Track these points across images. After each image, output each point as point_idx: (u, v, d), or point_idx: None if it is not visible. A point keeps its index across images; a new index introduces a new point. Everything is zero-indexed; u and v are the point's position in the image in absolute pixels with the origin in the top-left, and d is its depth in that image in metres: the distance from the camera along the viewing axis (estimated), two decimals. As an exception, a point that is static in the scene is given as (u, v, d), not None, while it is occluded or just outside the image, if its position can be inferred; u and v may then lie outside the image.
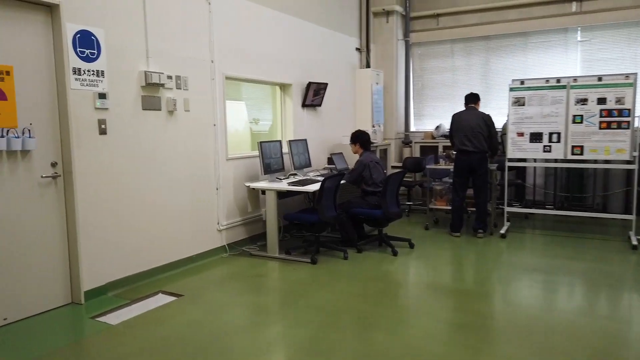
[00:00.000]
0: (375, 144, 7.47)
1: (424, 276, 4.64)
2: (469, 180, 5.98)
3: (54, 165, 3.68)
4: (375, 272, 4.68)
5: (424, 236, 6.09)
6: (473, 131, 5.80)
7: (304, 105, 6.56)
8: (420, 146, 8.62)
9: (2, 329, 3.35)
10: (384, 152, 8.04)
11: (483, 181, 5.90)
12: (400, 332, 3.33)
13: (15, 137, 3.37)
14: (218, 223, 5.17)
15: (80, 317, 3.62)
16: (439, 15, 8.48)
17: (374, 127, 7.98)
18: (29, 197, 3.52)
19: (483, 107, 6.20)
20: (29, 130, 3.48)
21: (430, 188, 6.81)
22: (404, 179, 7.32)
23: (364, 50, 8.25)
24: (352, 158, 6.01)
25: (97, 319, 3.56)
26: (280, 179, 5.49)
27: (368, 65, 8.23)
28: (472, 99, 6.05)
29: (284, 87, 6.37)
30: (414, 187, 7.95)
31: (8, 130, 3.35)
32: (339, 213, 5.30)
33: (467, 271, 4.82)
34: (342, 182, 5.32)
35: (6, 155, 3.38)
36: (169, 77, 4.49)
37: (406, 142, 8.73)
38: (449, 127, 6.18)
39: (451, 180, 6.25)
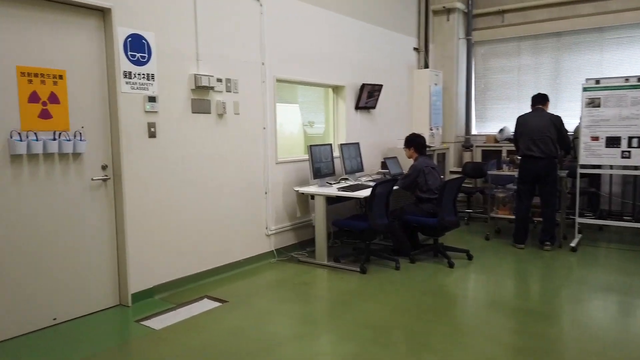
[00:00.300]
0: (432, 148, 7.13)
1: (483, 292, 4.29)
2: (535, 188, 5.52)
3: (104, 168, 3.72)
4: (428, 285, 4.39)
5: (484, 247, 5.69)
6: (540, 135, 5.34)
7: (357, 107, 6.36)
8: (482, 150, 8.14)
9: (51, 329, 3.41)
10: (442, 156, 7.67)
11: (551, 189, 5.43)
12: (453, 354, 3.05)
13: (67, 140, 3.42)
14: (266, 228, 5.08)
15: (125, 320, 3.62)
16: (504, 11, 7.98)
17: (431, 130, 7.64)
18: (79, 199, 3.57)
19: (552, 109, 5.71)
20: (80, 133, 3.53)
21: (492, 195, 6.38)
22: (464, 185, 6.95)
23: (423, 50, 7.92)
24: (406, 162, 5.72)
25: (142, 322, 3.55)
26: (331, 184, 5.32)
27: (426, 66, 7.90)
28: (540, 100, 5.59)
29: (336, 89, 6.20)
30: (475, 194, 7.51)
31: (60, 133, 3.41)
32: (391, 220, 5.05)
33: (532, 288, 4.41)
34: (395, 188, 5.07)
35: (58, 158, 3.44)
36: (219, 80, 4.44)
37: (466, 145, 8.29)
38: (513, 130, 5.76)
39: (515, 187, 5.81)
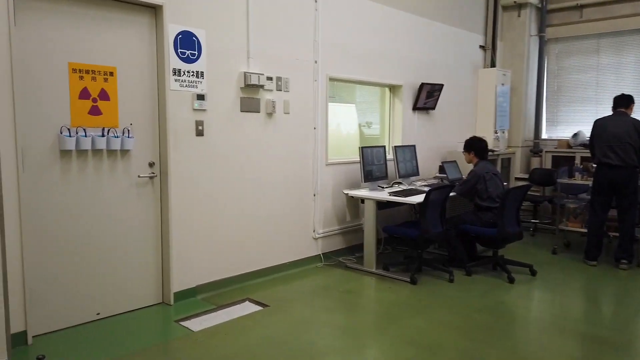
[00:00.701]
0: (496, 152, 6.68)
1: (546, 312, 3.89)
2: (612, 200, 4.98)
3: (151, 165, 3.72)
4: (484, 301, 4.05)
5: (551, 262, 5.22)
6: (620, 141, 4.80)
7: (415, 108, 6.07)
8: (552, 156, 7.52)
9: (94, 323, 3.45)
10: (507, 161, 7.16)
11: (630, 201, 4.87)
12: (506, 384, 2.74)
13: (115, 137, 3.44)
14: (314, 231, 4.93)
15: (165, 320, 3.60)
16: (582, 6, 7.33)
17: (496, 133, 7.17)
18: (126, 196, 3.60)
19: (636, 114, 5.12)
20: (128, 130, 3.54)
21: (561, 205, 5.86)
22: (530, 193, 6.46)
23: (489, 48, 7.44)
24: (466, 167, 5.36)
25: (181, 322, 3.51)
26: (383, 188, 5.08)
27: (493, 65, 7.42)
28: (623, 102, 5.02)
29: (393, 88, 5.94)
30: (542, 203, 6.95)
31: (109, 130, 3.44)
32: (446, 229, 4.74)
33: (603, 311, 3.95)
34: (451, 194, 4.74)
35: (106, 154, 3.47)
36: (269, 79, 4.35)
37: (535, 150, 7.70)
38: (589, 135, 5.23)
39: (589, 198, 5.28)
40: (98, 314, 3.50)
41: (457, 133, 6.75)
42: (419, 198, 4.48)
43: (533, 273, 4.73)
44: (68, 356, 2.99)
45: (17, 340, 3.02)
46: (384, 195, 4.71)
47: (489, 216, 4.68)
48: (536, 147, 7.74)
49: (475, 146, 4.94)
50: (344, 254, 5.22)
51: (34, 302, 3.16)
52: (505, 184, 5.18)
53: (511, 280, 4.49)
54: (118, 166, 3.54)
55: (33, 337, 3.13)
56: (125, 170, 3.58)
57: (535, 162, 7.66)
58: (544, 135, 7.94)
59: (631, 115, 4.99)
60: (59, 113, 3.22)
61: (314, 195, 4.90)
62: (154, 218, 3.77)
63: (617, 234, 5.06)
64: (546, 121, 7.98)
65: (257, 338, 3.27)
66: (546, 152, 7.61)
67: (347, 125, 5.61)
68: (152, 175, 3.73)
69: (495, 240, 4.64)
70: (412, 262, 4.76)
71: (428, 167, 6.27)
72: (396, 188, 5.07)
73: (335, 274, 4.70)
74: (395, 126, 5.99)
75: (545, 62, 7.78)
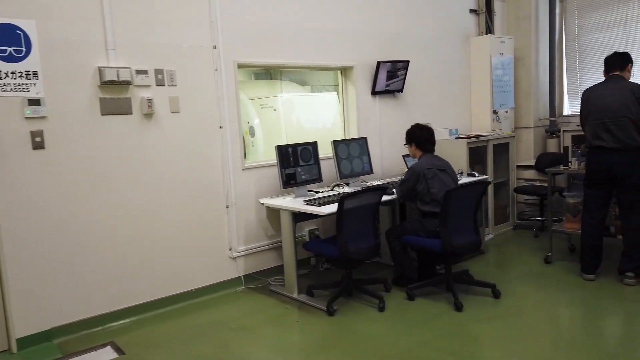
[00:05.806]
0: (484, 138, 5.46)
1: (499, 357, 2.85)
2: (611, 194, 3.75)
3: (-23, 188, 3.11)
4: (410, 339, 3.06)
5: (540, 275, 4.09)
6: (615, 116, 3.58)
7: (374, 92, 5.06)
8: (572, 136, 6.14)
9: None
10: (505, 147, 5.88)
11: (635, 196, 3.62)
12: None
13: None
14: (230, 249, 4.13)
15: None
16: (600, -55, 5.91)
17: (496, 112, 6.00)
18: (-57, 227, 3.01)
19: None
20: None
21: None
22: (538, 184, 5.33)
23: (483, 11, 6.20)
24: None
25: (7, 379, 2.89)
26: (315, 193, 4.17)
27: (489, 31, 6.19)
28: (617, 63, 3.75)
29: (344, 71, 4.97)
30: (554, 195, 5.65)
31: None
32: (391, 241, 3.79)
33: (596, 349, 2.82)
34: (385, 198, 3.76)
35: None
36: (142, 72, 3.59)
37: (552, 131, 6.36)
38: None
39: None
40: None
41: (444, 117, 5.67)
42: (334, 207, 3.55)
43: (496, 295, 3.62)
44: None
45: None
46: (297, 204, 3.80)
47: (435, 224, 3.64)
48: (552, 127, 6.39)
49: (415, 137, 3.89)
50: (276, 273, 4.36)
51: None
52: (458, 181, 4.04)
53: (458, 307, 3.43)
54: None
55: None
56: (-63, 197, 3.00)
57: (552, 145, 6.35)
58: (567, 111, 6.58)
59: (630, 80, 3.71)
60: None
61: (227, 207, 4.10)
62: (-12, 251, 3.16)
63: (623, 238, 3.81)
64: (568, 94, 6.61)
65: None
66: (564, 131, 6.26)
67: (318, 118, 4.76)
68: (-22, 200, 3.12)
69: (440, 254, 3.59)
70: (339, 284, 3.83)
71: (399, 162, 5.23)
72: (335, 192, 4.15)
73: (249, 301, 3.88)
74: (349, 115, 5.03)
75: (561, 21, 6.41)
